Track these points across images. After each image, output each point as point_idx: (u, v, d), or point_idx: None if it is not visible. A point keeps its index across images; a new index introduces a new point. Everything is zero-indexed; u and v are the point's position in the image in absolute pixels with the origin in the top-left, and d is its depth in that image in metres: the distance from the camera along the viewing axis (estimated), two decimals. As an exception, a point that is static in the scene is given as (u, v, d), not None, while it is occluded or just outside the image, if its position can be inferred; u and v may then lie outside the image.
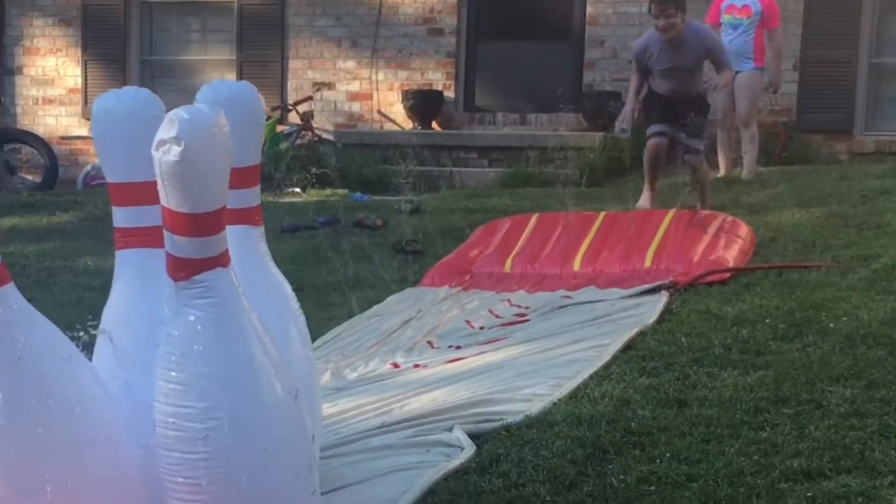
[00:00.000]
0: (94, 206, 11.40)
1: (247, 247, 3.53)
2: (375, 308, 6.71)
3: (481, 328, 6.18)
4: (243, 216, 3.56)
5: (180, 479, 3.04)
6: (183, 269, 2.97)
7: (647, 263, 7.23)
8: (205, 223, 2.93)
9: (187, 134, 2.82)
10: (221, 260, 3.00)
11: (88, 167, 15.43)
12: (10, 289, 2.97)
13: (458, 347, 5.78)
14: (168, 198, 2.91)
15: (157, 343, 3.12)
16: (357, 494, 3.86)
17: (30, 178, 15.76)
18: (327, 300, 6.99)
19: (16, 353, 2.95)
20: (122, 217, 3.45)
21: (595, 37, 14.25)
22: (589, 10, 14.26)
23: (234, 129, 2.97)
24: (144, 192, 3.31)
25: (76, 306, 6.72)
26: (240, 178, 3.13)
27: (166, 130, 2.84)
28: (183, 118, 2.83)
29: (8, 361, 2.93)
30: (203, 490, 3.03)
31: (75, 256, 8.74)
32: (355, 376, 5.38)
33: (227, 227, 3.05)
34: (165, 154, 2.84)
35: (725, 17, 10.98)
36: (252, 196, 3.68)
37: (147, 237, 3.36)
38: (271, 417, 3.07)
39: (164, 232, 2.99)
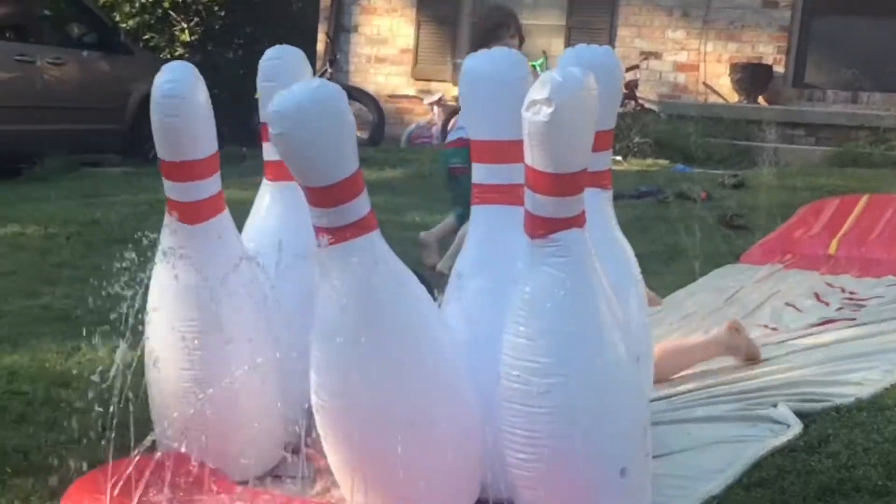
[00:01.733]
0: (421, 164, 11.70)
1: (596, 209, 3.55)
2: (700, 282, 6.69)
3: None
4: (595, 179, 3.60)
5: (519, 432, 3.14)
6: (541, 227, 3.05)
7: None
8: (567, 183, 3.01)
9: (559, 95, 2.90)
10: (578, 220, 3.07)
11: (413, 126, 15.84)
12: (376, 236, 3.12)
13: (777, 329, 5.70)
14: (534, 157, 2.99)
15: (505, 295, 3.22)
16: (682, 462, 3.88)
17: (357, 133, 16.27)
18: (649, 270, 6.99)
19: (377, 298, 3.10)
20: (481, 173, 3.56)
21: (939, 15, 13.68)
22: (935, -15, 13.69)
23: (594, 93, 3.02)
24: (505, 151, 3.43)
25: (404, 259, 6.93)
26: (596, 141, 3.18)
27: (538, 91, 2.92)
28: (556, 80, 2.91)
29: (372, 307, 3.09)
30: (541, 444, 3.12)
31: (403, 211, 8.99)
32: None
33: (581, 189, 3.11)
34: (536, 115, 2.92)
35: None
36: (604, 160, 3.75)
37: (503, 194, 3.48)
38: (613, 377, 3.13)
39: (525, 190, 3.07)
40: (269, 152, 3.86)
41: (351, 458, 3.24)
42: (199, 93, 3.53)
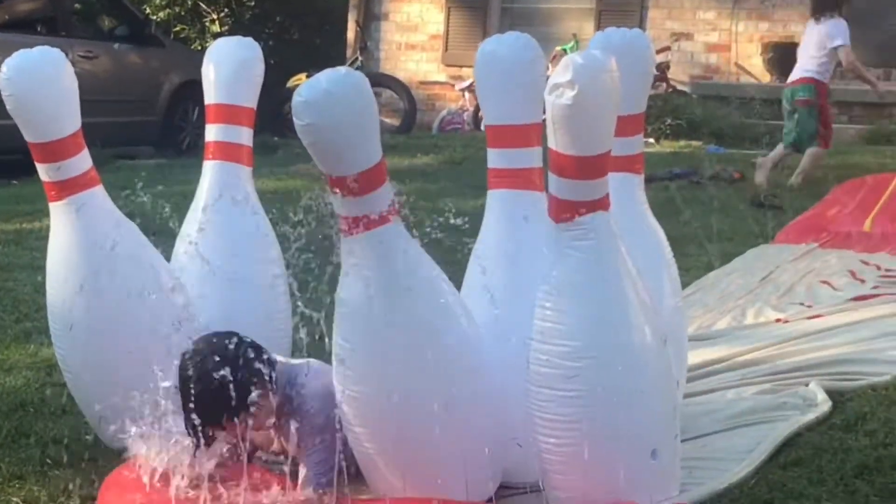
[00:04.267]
0: (453, 150, 11.69)
1: (626, 194, 3.58)
2: (735, 262, 6.66)
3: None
4: (625, 164, 3.61)
5: (548, 416, 3.14)
6: (565, 211, 3.05)
7: None
8: (590, 166, 3.00)
9: (581, 78, 2.89)
10: (602, 203, 3.06)
11: (444, 112, 15.83)
12: (399, 223, 3.12)
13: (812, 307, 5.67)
14: (557, 140, 2.98)
15: (523, 279, 3.24)
16: (710, 445, 3.87)
17: (388, 121, 16.27)
18: (683, 251, 6.96)
19: (402, 284, 3.11)
20: (496, 158, 3.55)
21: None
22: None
23: (623, 76, 3.01)
24: (519, 135, 3.43)
25: (436, 247, 6.93)
26: (624, 125, 3.17)
27: (561, 75, 2.91)
28: (577, 63, 2.90)
29: (397, 293, 3.10)
30: (570, 427, 3.12)
31: (436, 198, 8.96)
32: (718, 328, 5.35)
33: (609, 173, 3.10)
34: (558, 98, 2.92)
35: None
36: (635, 144, 3.73)
37: (518, 178, 3.48)
38: (640, 360, 3.14)
39: (549, 174, 3.07)
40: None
41: (378, 447, 3.24)
42: None
